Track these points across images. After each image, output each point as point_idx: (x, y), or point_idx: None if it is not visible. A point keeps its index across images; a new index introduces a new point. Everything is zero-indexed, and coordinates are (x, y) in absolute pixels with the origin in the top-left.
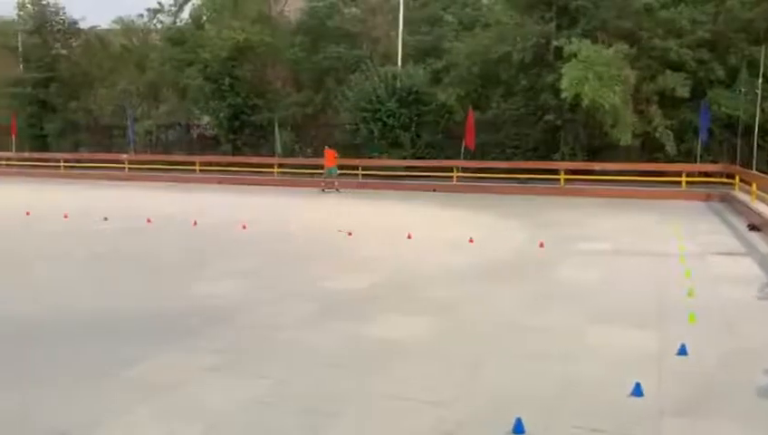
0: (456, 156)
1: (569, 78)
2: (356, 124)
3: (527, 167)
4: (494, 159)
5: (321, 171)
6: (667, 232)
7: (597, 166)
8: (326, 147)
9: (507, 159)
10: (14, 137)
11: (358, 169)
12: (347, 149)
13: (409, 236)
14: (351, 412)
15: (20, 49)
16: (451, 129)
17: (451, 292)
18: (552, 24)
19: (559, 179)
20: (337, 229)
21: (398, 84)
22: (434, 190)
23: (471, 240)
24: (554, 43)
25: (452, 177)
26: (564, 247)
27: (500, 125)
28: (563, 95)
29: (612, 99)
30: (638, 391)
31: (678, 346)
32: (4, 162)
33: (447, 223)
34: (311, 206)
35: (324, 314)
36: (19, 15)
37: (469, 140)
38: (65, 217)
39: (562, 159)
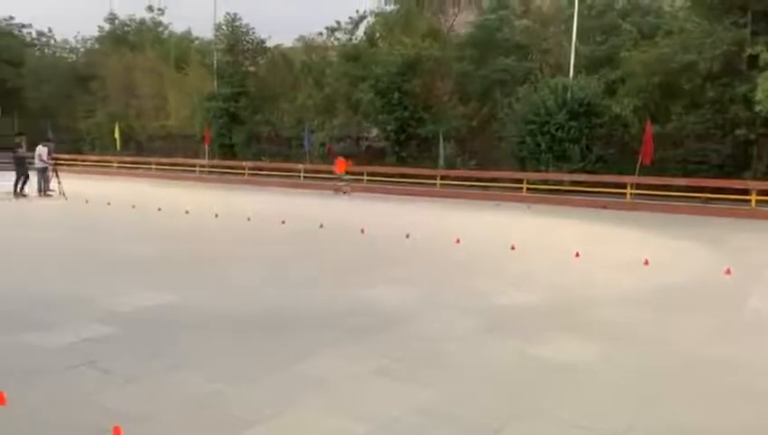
0: (630, 171)
1: (766, 89)
2: (522, 137)
3: (712, 185)
4: (673, 175)
5: (482, 184)
6: None
7: None
8: (338, 156)
9: (689, 175)
10: (206, 146)
11: (522, 183)
12: (512, 162)
13: (577, 255)
14: (516, 432)
15: (215, 66)
16: (626, 142)
17: (625, 317)
18: (747, 30)
19: (749, 200)
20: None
21: (569, 96)
22: (604, 207)
23: (646, 262)
24: (748, 50)
25: (625, 193)
26: (756, 276)
27: (681, 139)
28: (758, 108)
29: None
30: None
31: None
32: (198, 169)
33: (620, 242)
34: (475, 218)
35: (489, 329)
36: (216, 36)
37: (646, 155)
38: (248, 219)
39: (755, 178)
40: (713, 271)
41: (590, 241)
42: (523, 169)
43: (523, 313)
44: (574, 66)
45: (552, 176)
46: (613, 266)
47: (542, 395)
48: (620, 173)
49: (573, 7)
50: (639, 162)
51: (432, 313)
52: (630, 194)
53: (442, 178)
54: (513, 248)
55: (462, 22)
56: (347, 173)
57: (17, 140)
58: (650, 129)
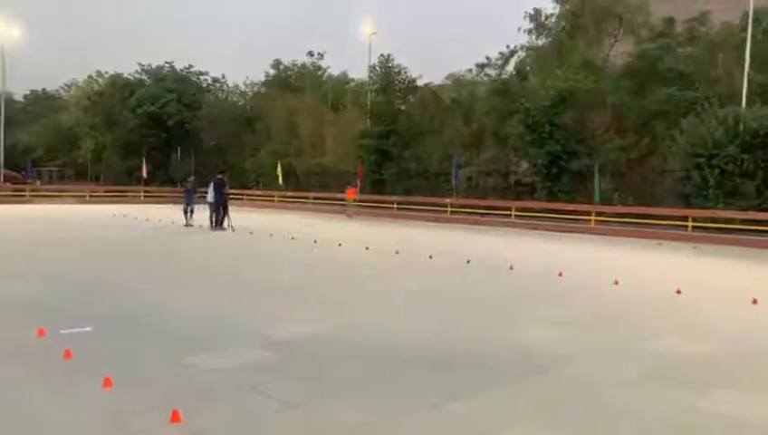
0: None
1: None
2: (687, 171)
3: None
4: None
5: (642, 221)
6: None
7: None
8: (348, 186)
9: None
10: (359, 181)
11: (687, 221)
12: (675, 198)
13: (755, 301)
14: None
15: (368, 106)
16: None
17: None
18: None
19: None
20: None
21: (741, 127)
22: None
23: None
24: None
25: None
26: None
27: None
28: None
29: None
30: None
31: None
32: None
33: None
34: (634, 257)
35: (651, 378)
36: (370, 77)
37: None
38: (396, 253)
39: None
40: None
41: None
42: (688, 206)
43: (691, 362)
44: (747, 95)
45: (721, 213)
46: None
47: None
48: None
49: (746, 32)
50: None
51: (589, 357)
52: None
53: (597, 214)
54: (678, 292)
55: (618, 52)
56: (354, 201)
57: (219, 176)
58: None
